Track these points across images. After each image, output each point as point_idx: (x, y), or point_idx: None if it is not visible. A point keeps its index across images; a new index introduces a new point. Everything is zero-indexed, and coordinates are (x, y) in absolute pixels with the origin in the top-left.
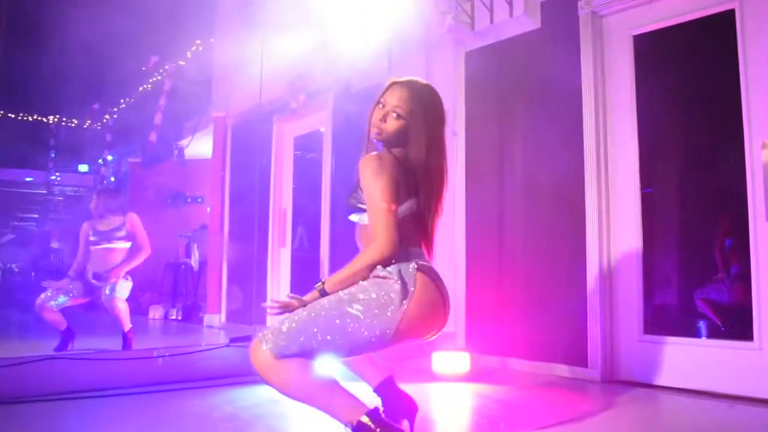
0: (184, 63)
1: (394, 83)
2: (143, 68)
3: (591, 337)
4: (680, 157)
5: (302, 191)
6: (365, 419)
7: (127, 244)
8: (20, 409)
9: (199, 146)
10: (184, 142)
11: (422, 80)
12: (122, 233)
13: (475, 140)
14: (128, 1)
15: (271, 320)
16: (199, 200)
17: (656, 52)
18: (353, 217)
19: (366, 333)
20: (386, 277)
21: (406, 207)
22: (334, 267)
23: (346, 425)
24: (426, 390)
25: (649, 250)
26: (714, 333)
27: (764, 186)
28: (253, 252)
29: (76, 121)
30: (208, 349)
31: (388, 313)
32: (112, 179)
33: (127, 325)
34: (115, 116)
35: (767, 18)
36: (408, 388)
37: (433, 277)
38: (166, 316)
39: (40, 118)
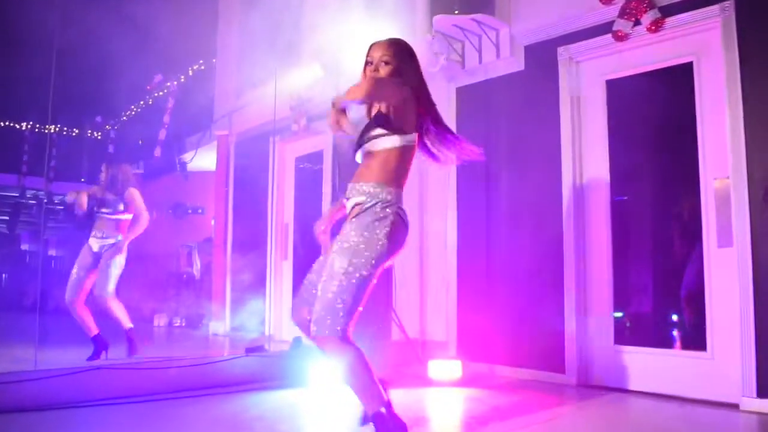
0: (185, 80)
1: (372, 44)
2: (147, 87)
3: (568, 347)
4: (643, 190)
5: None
6: (382, 410)
7: (129, 216)
8: (66, 414)
9: (201, 160)
10: (186, 157)
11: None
12: (121, 207)
13: (465, 166)
14: (128, 18)
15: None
16: (200, 211)
17: (626, 95)
18: (358, 157)
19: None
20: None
21: (411, 137)
22: None
23: (368, 411)
24: (423, 394)
25: (619, 272)
26: (673, 344)
27: (716, 217)
28: (255, 263)
29: (77, 131)
30: (229, 359)
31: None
32: None
33: (127, 324)
34: (116, 128)
35: (720, 71)
36: (407, 393)
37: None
38: (170, 324)
39: (38, 127)
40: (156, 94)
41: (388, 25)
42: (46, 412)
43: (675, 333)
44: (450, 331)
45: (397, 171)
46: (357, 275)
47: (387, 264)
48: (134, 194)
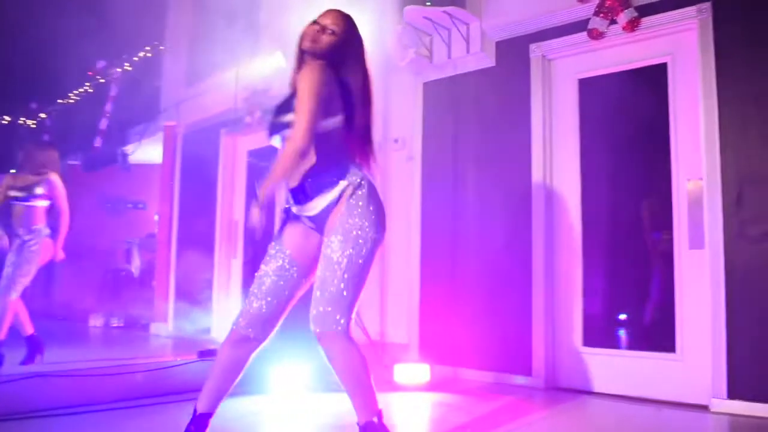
0: (130, 68)
1: (328, 10)
2: (89, 73)
3: (535, 350)
4: (614, 191)
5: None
6: (375, 419)
7: (46, 203)
8: (3, 429)
9: (144, 152)
10: (129, 148)
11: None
12: (40, 191)
13: (431, 163)
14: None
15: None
16: (140, 206)
17: (599, 95)
18: (275, 141)
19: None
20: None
21: (337, 120)
22: None
23: (361, 418)
24: (390, 400)
25: (589, 273)
26: (643, 345)
27: (688, 219)
28: (202, 261)
29: (9, 119)
30: (182, 364)
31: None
32: None
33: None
34: (53, 116)
35: (695, 72)
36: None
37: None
38: (107, 324)
39: None
40: (98, 80)
41: (357, 13)
42: None
43: (644, 335)
44: (412, 334)
45: (343, 146)
46: (357, 265)
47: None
48: (56, 181)
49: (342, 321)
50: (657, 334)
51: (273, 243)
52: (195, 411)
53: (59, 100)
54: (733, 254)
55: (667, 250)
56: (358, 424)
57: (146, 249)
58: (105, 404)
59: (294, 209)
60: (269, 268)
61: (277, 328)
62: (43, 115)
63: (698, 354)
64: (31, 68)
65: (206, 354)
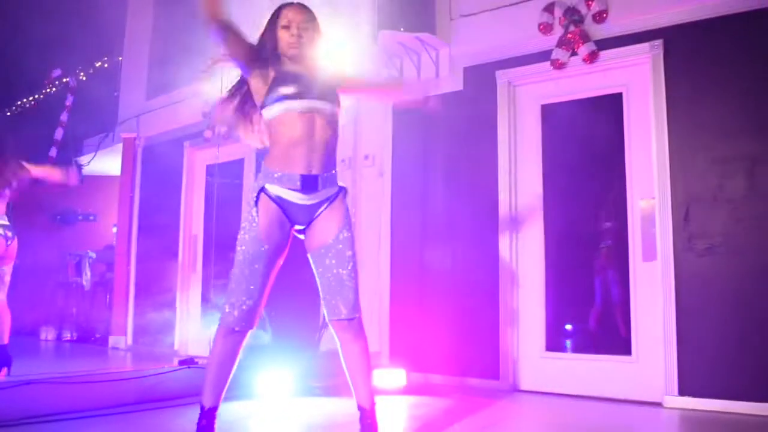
0: (85, 77)
1: (284, 5)
2: (45, 81)
3: (502, 355)
4: (574, 209)
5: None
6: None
7: None
8: None
9: (97, 163)
10: (84, 159)
11: None
12: None
13: (400, 179)
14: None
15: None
16: (91, 218)
17: (560, 120)
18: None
19: None
20: None
21: None
22: None
23: (369, 401)
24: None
25: (551, 284)
26: (600, 349)
27: (642, 234)
28: (163, 275)
29: None
30: (169, 371)
31: None
32: None
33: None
34: (2, 125)
35: (648, 102)
36: (353, 400)
37: None
38: (59, 337)
39: None
40: (49, 89)
41: (331, 34)
42: None
43: (602, 339)
44: (383, 342)
45: None
46: (355, 259)
47: None
48: None
49: (359, 308)
50: (614, 338)
51: (246, 227)
52: (202, 407)
53: (9, 109)
54: (682, 265)
55: (611, 261)
56: (363, 407)
57: (102, 261)
58: (89, 411)
59: (285, 194)
60: (247, 254)
61: (262, 313)
62: None
63: (652, 356)
64: None
65: (187, 363)
